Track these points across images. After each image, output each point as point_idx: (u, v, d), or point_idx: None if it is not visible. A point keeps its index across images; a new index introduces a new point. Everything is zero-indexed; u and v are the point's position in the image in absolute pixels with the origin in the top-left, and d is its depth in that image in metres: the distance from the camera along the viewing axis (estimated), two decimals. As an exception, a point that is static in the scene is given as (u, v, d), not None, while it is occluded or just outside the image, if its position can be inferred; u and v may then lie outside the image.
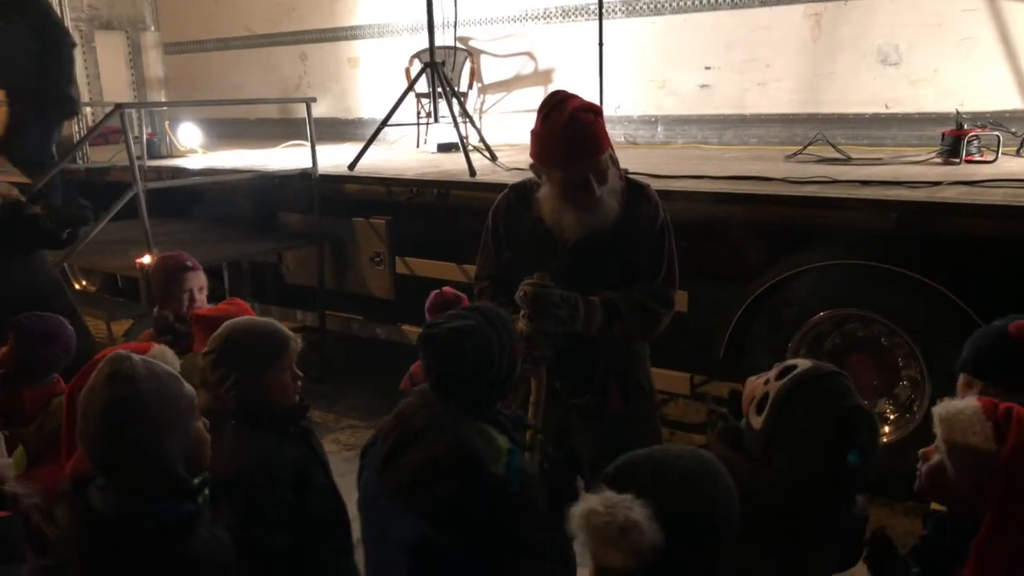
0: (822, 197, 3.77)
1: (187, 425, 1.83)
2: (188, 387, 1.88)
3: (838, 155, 4.83)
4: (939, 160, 4.50)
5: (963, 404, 1.69)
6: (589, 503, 1.28)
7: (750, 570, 1.44)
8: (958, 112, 4.70)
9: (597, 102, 4.96)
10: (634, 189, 2.61)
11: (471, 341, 1.95)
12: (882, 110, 5.55)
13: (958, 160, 4.40)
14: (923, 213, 3.49)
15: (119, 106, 4.66)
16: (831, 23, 5.62)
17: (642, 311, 2.53)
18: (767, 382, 1.75)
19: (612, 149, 2.51)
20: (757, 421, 1.72)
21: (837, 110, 5.71)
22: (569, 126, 2.39)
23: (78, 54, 7.85)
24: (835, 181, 4.02)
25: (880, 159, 4.75)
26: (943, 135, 4.57)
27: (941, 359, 3.51)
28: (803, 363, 1.76)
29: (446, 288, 3.19)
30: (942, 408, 1.70)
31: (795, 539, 1.64)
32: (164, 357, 2.32)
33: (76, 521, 1.83)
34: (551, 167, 2.48)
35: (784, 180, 4.10)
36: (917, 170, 4.30)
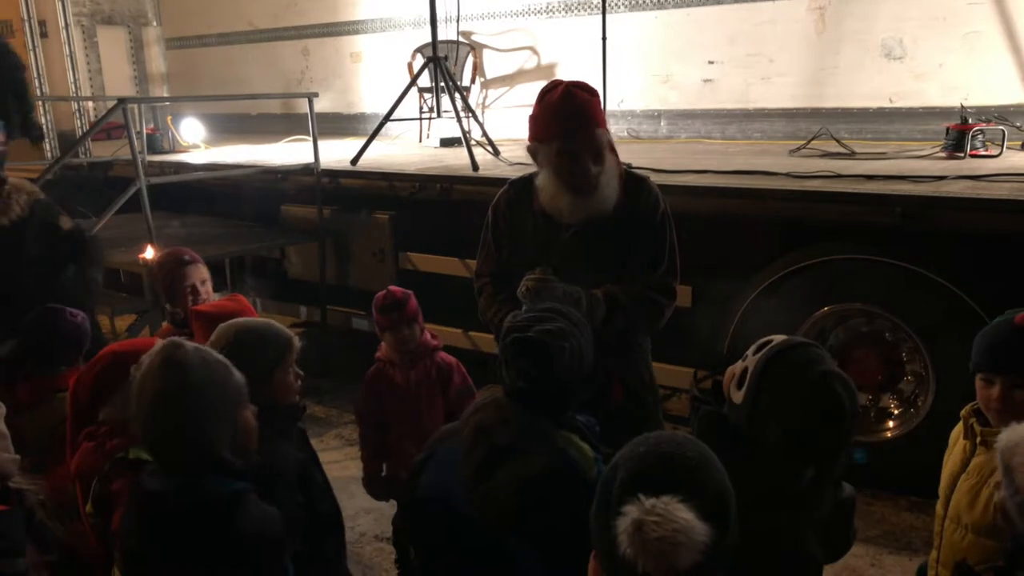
0: (826, 192, 3.75)
1: (235, 411, 1.90)
2: (238, 374, 1.94)
3: (842, 149, 4.82)
4: (943, 155, 4.48)
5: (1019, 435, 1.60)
6: (633, 516, 1.25)
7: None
8: (963, 106, 4.67)
9: (600, 96, 4.97)
10: (634, 180, 2.63)
11: (568, 344, 1.87)
12: (886, 104, 5.53)
13: (963, 155, 4.38)
14: (927, 208, 3.47)
15: (121, 101, 4.65)
16: (835, 17, 5.60)
17: (645, 303, 2.55)
18: (745, 359, 1.84)
19: (611, 138, 2.52)
20: (738, 396, 1.80)
21: (841, 104, 5.69)
22: (565, 98, 2.44)
23: (79, 49, 7.87)
24: (839, 176, 4.00)
25: (884, 153, 4.74)
26: (948, 129, 4.55)
27: (945, 354, 3.51)
28: (778, 338, 1.85)
29: (391, 287, 3.22)
30: (1004, 440, 1.62)
31: (779, 511, 1.68)
32: None
33: (132, 503, 1.88)
34: (549, 140, 2.49)
35: (788, 175, 4.08)
36: (921, 164, 4.28)
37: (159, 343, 1.93)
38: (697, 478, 1.31)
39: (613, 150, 2.53)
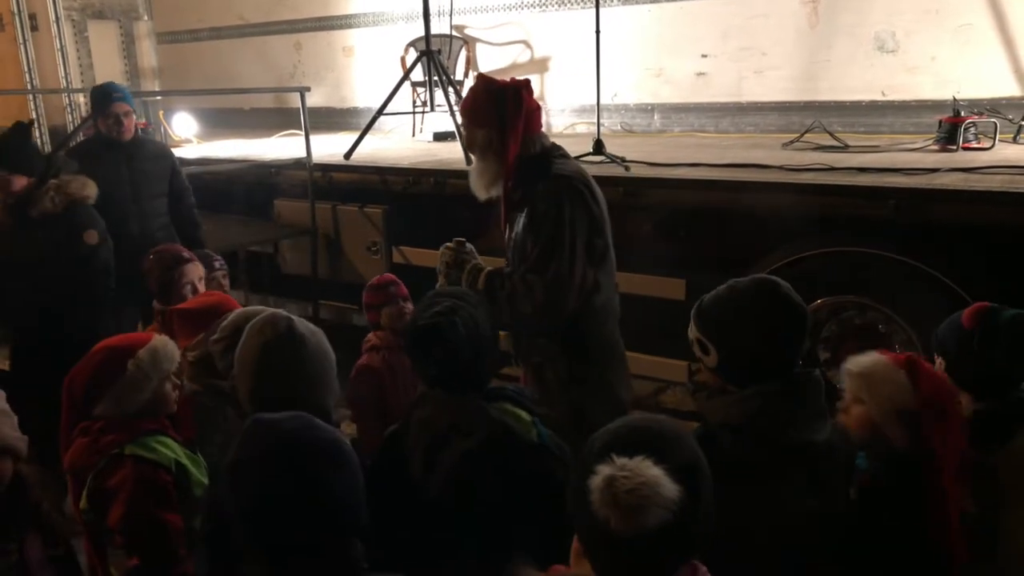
0: (819, 184, 3.76)
1: (335, 380, 1.99)
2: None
3: (835, 143, 4.83)
4: (936, 147, 4.49)
5: (872, 360, 1.98)
6: (605, 473, 1.28)
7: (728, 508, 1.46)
8: (955, 99, 4.69)
9: (594, 90, 4.97)
10: (540, 173, 2.67)
11: (458, 318, 1.97)
12: (879, 97, 5.54)
13: (955, 147, 4.39)
14: (920, 200, 3.48)
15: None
16: (828, 10, 5.60)
17: (506, 286, 2.65)
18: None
19: (497, 132, 2.65)
20: (712, 359, 1.88)
21: (834, 98, 5.70)
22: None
23: (70, 43, 7.83)
24: (832, 168, 4.01)
25: (877, 146, 4.75)
26: (940, 122, 4.56)
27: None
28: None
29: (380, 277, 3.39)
30: (855, 366, 1.99)
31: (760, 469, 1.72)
32: (166, 348, 2.33)
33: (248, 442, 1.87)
34: None
35: (782, 168, 4.09)
36: (914, 157, 4.30)
37: (261, 315, 2.00)
38: (669, 445, 1.35)
39: (504, 142, 2.64)
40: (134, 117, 4.46)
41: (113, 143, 4.36)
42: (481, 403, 1.95)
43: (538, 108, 2.77)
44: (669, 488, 1.26)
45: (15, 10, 6.97)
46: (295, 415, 1.54)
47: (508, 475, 1.84)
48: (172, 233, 4.56)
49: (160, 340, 2.37)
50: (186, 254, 3.35)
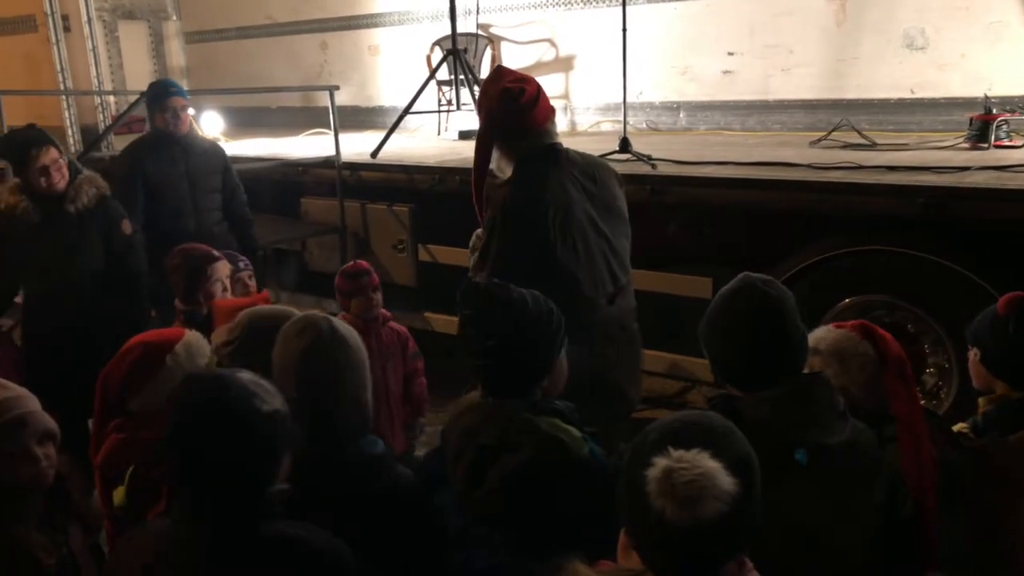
0: (847, 183, 3.74)
1: (369, 376, 2.01)
2: None
3: (863, 140, 4.79)
4: (967, 145, 4.44)
5: (837, 335, 2.09)
6: (662, 464, 1.28)
7: None
8: (986, 96, 4.64)
9: (618, 88, 4.96)
10: (520, 169, 2.91)
11: (518, 294, 1.97)
12: (907, 95, 5.49)
13: (986, 145, 4.34)
14: (951, 199, 3.45)
15: (144, 95, 4.70)
16: (856, 7, 5.56)
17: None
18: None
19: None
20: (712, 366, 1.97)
21: (862, 95, 5.65)
22: None
23: (101, 44, 7.93)
24: (861, 167, 3.98)
25: (906, 144, 4.71)
26: (971, 120, 4.51)
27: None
28: None
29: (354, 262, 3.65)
30: (822, 343, 2.07)
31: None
32: (200, 342, 2.36)
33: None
34: None
35: (809, 166, 4.07)
36: (944, 155, 4.26)
37: (299, 317, 2.00)
38: (724, 439, 1.37)
39: (506, 144, 2.93)
40: (190, 112, 4.53)
41: (169, 138, 4.42)
42: (529, 416, 1.88)
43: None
44: (726, 480, 1.27)
45: (48, 11, 7.06)
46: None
47: (560, 492, 1.79)
48: (226, 229, 4.60)
49: (193, 335, 2.42)
50: (216, 252, 3.37)
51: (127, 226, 3.92)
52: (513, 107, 2.85)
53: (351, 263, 3.60)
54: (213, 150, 4.74)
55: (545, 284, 2.56)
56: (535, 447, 1.82)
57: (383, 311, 3.55)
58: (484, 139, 3.00)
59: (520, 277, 2.51)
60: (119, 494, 2.25)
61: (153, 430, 2.23)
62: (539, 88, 2.94)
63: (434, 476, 1.99)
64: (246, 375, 1.64)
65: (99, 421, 2.40)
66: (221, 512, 1.56)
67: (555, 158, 2.93)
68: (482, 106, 3.00)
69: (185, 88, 9.54)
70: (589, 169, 3.00)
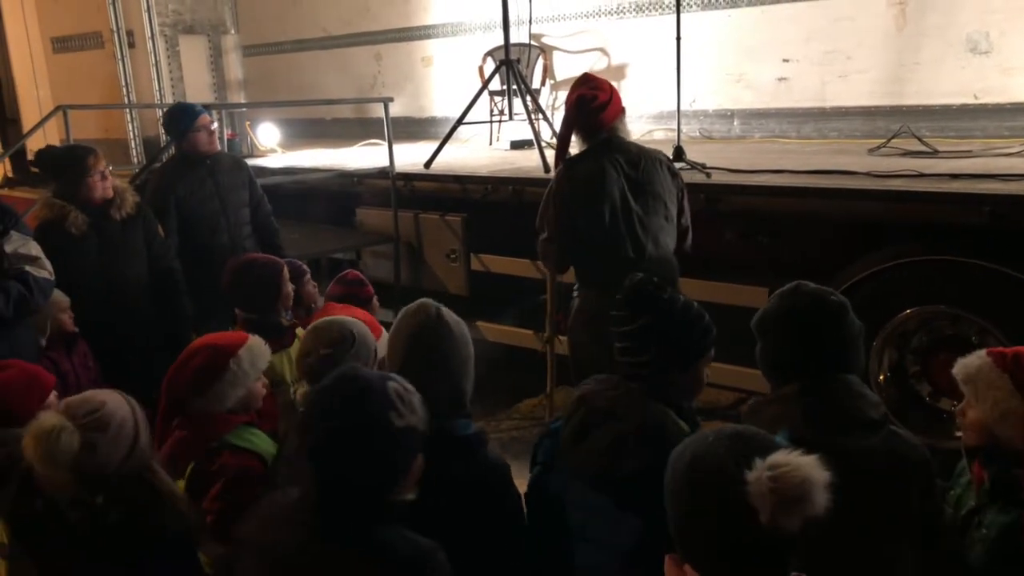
0: (909, 191, 3.66)
1: (472, 369, 2.16)
2: None
3: (924, 148, 4.68)
4: (1034, 152, 4.32)
5: (977, 362, 1.92)
6: (767, 473, 1.26)
7: None
8: (1054, 101, 4.50)
9: (671, 96, 4.93)
10: None
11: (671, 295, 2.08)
12: (971, 101, 5.35)
13: (1054, 151, 4.22)
14: (1018, 207, 3.36)
15: (206, 107, 4.81)
16: (916, 12, 5.44)
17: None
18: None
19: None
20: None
21: (922, 102, 5.52)
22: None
23: (163, 58, 8.16)
24: (922, 175, 3.90)
25: (970, 151, 4.59)
26: (1038, 126, 4.39)
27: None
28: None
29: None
30: (961, 371, 1.95)
31: None
32: (261, 347, 2.45)
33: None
34: None
35: (869, 174, 3.99)
36: (1010, 162, 4.14)
37: (417, 301, 2.17)
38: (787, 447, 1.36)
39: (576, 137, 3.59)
40: (214, 131, 4.64)
41: (194, 160, 4.53)
42: (648, 399, 1.97)
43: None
44: (822, 472, 1.27)
45: (114, 27, 7.29)
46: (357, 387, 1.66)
47: (645, 468, 1.82)
48: (256, 242, 4.72)
49: (255, 340, 2.51)
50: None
51: (161, 230, 4.18)
52: (584, 110, 3.49)
53: (350, 270, 3.84)
54: (237, 165, 4.86)
55: (572, 239, 3.48)
56: (636, 423, 1.92)
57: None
58: (564, 133, 3.61)
59: (558, 236, 3.46)
60: (180, 487, 2.33)
61: (213, 428, 2.38)
62: (612, 93, 3.51)
63: (547, 462, 2.11)
64: (394, 384, 1.71)
65: (163, 420, 2.50)
66: (336, 510, 1.63)
67: (606, 147, 3.51)
68: (566, 104, 3.62)
69: (242, 99, 9.80)
70: (635, 158, 3.52)
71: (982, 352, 1.97)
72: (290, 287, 3.40)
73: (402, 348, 2.08)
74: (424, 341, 2.05)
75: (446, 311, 2.12)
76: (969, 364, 1.94)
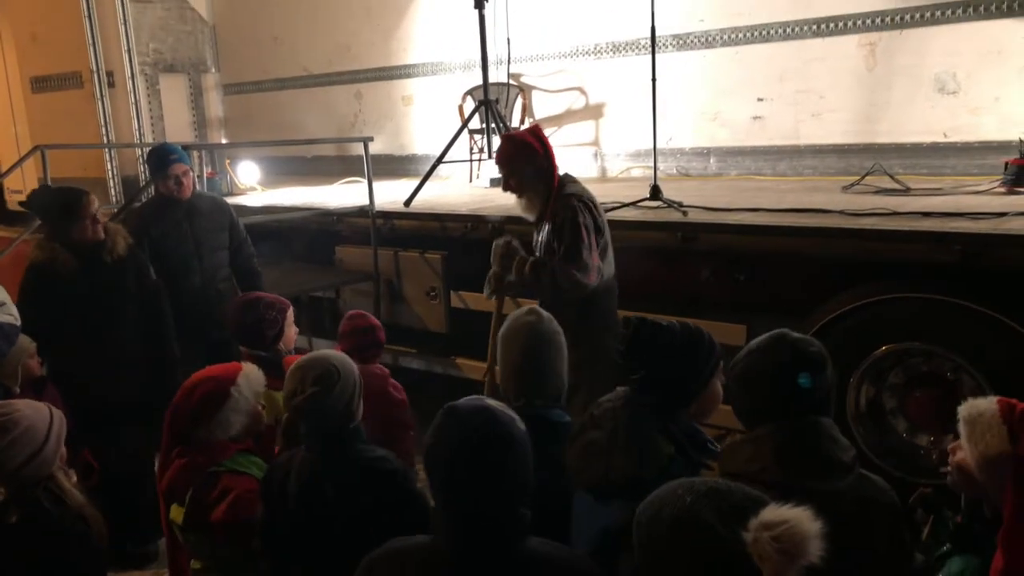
0: (882, 230, 3.72)
1: (566, 370, 2.50)
2: None
3: (896, 185, 4.77)
4: (1003, 190, 4.41)
5: (984, 405, 1.92)
6: (768, 532, 1.28)
7: None
8: (1021, 140, 4.60)
9: (648, 134, 5.00)
10: (559, 197, 3.67)
11: (670, 331, 2.16)
12: (940, 139, 5.47)
13: (1023, 189, 4.30)
14: (988, 245, 3.42)
15: (186, 148, 4.82)
16: (886, 52, 5.57)
17: (547, 268, 3.60)
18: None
19: (538, 169, 3.67)
20: None
21: (894, 140, 5.64)
22: (501, 145, 3.85)
23: (143, 97, 8.17)
24: (895, 213, 3.96)
25: (940, 189, 4.67)
26: (1006, 164, 4.48)
27: (1011, 394, 3.41)
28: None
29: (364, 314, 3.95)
30: (966, 410, 1.94)
31: None
32: (256, 373, 2.51)
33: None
34: None
35: (842, 212, 4.05)
36: (980, 200, 4.22)
37: (523, 309, 2.55)
38: (757, 502, 1.39)
39: (541, 178, 3.69)
40: (192, 175, 4.61)
41: (172, 202, 4.51)
42: (638, 414, 2.05)
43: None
44: (814, 524, 1.29)
45: (93, 68, 7.31)
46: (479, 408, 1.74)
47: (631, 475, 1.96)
48: (233, 285, 4.69)
49: (249, 367, 2.61)
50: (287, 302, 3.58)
51: (152, 271, 4.13)
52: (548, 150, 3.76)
53: (360, 314, 3.94)
54: (218, 208, 4.80)
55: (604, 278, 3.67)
56: (610, 430, 2.03)
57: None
58: (548, 173, 3.76)
59: (594, 274, 3.57)
60: (177, 512, 2.44)
61: (210, 455, 2.46)
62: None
63: None
64: (493, 402, 1.78)
65: (166, 451, 2.58)
66: (479, 532, 1.65)
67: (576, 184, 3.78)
68: (512, 152, 3.77)
69: (223, 138, 9.82)
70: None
71: (993, 398, 1.97)
72: (295, 329, 3.49)
73: (520, 345, 2.45)
74: (540, 338, 2.45)
75: (548, 315, 2.55)
76: (976, 405, 1.94)
